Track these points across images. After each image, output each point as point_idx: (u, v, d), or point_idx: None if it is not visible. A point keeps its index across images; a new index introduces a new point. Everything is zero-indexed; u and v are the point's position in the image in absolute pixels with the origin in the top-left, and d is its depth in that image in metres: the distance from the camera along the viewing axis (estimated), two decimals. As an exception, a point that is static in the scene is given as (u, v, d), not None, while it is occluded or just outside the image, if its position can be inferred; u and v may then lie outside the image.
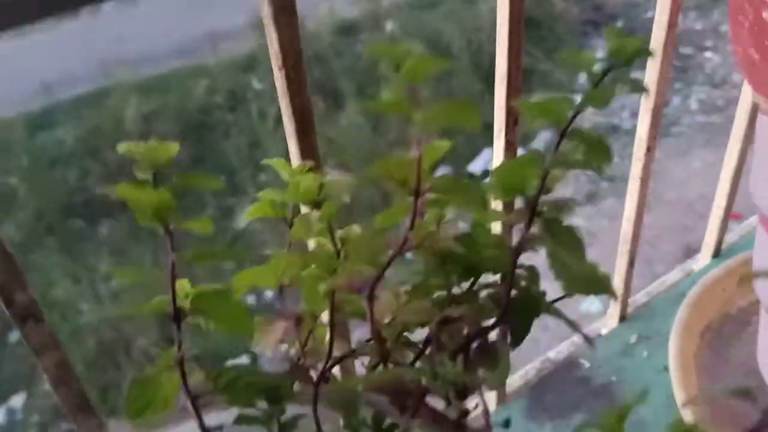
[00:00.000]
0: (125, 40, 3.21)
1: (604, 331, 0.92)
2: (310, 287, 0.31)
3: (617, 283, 0.87)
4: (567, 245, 0.29)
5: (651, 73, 0.72)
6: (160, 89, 3.31)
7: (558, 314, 0.32)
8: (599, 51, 3.87)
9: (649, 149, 0.77)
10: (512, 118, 0.60)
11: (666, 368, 0.81)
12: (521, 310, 0.30)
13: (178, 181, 0.31)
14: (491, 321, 0.30)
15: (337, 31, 3.68)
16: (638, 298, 0.96)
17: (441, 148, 0.33)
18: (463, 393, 0.25)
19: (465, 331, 0.28)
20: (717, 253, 0.98)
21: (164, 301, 0.29)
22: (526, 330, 0.30)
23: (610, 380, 0.82)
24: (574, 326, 0.32)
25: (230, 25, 3.38)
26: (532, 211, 0.30)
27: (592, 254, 0.30)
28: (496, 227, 0.55)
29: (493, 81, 0.59)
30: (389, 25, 3.69)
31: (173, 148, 0.32)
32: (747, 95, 0.84)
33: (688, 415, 0.67)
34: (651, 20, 0.70)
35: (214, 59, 3.41)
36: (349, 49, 3.64)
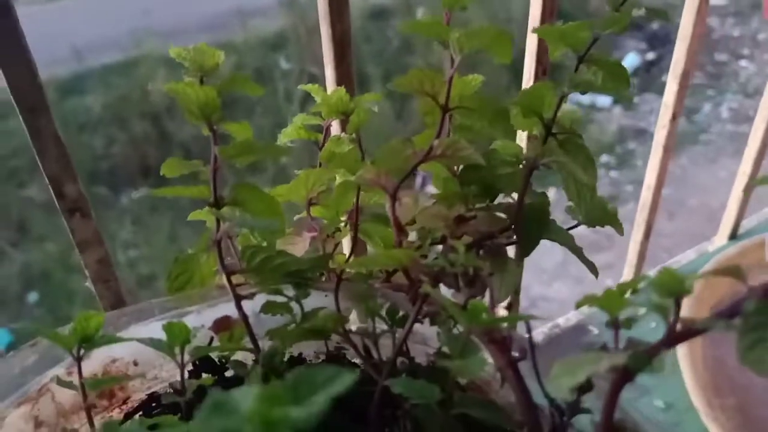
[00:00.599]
0: (154, 11, 3.26)
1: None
2: (339, 191, 0.34)
3: (632, 254, 0.89)
4: (579, 161, 0.32)
5: (683, 34, 0.73)
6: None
7: (564, 240, 0.35)
8: (632, 49, 3.85)
9: (674, 116, 0.78)
10: (541, 68, 0.62)
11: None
12: (530, 222, 0.33)
13: (222, 84, 0.34)
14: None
15: (368, 15, 3.70)
16: (651, 274, 0.98)
17: (474, 80, 0.36)
18: (471, 281, 0.28)
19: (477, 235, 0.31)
20: (734, 235, 1.00)
21: (206, 189, 0.33)
22: (534, 241, 0.33)
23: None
24: (579, 253, 0.35)
25: (260, 1, 3.42)
26: (548, 130, 0.32)
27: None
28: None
29: (522, 74, 0.61)
30: (420, 12, 3.70)
31: (219, 54, 0.36)
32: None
33: (690, 380, 0.69)
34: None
35: (242, 36, 3.45)
36: (379, 34, 3.66)
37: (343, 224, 0.38)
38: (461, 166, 0.33)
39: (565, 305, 2.21)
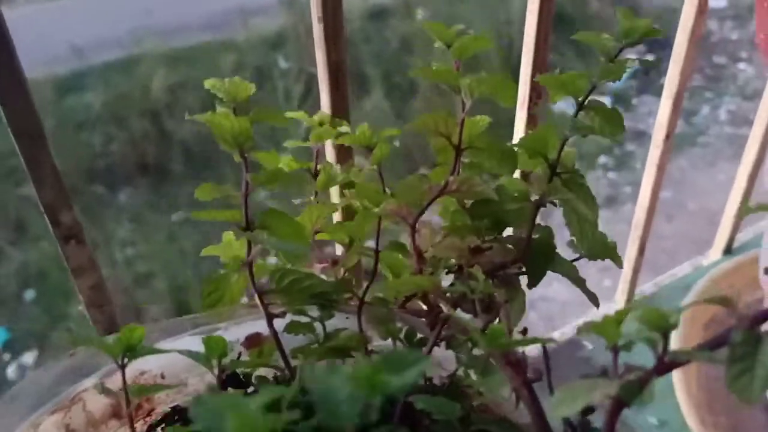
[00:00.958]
0: (155, 10, 3.27)
1: (611, 318, 0.97)
2: (359, 220, 0.37)
3: (626, 269, 0.92)
4: (582, 199, 0.35)
5: (676, 56, 0.76)
6: (188, 61, 3.38)
7: (568, 272, 0.38)
8: (631, 52, 3.88)
9: (668, 136, 0.81)
10: (535, 93, 0.64)
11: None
12: (537, 255, 0.36)
13: (254, 116, 0.37)
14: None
15: (368, 16, 3.72)
16: (646, 288, 1.01)
17: (482, 121, 0.39)
18: (488, 307, 0.31)
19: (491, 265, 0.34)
20: (728, 250, 1.03)
21: (238, 213, 0.36)
22: (542, 272, 0.36)
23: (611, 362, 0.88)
24: (581, 285, 0.38)
25: (261, 0, 3.43)
26: (553, 170, 0.35)
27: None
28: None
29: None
30: (420, 13, 3.73)
31: (250, 87, 0.39)
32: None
33: (684, 398, 0.72)
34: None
35: (243, 35, 3.47)
36: (379, 34, 3.68)
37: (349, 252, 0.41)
38: (472, 201, 0.36)
39: (565, 306, 2.24)
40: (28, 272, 2.67)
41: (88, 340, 0.36)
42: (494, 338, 0.28)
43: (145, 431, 0.48)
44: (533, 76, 0.64)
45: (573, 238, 0.36)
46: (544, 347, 0.31)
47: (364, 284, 0.38)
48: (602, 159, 3.21)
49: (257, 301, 0.38)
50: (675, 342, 0.85)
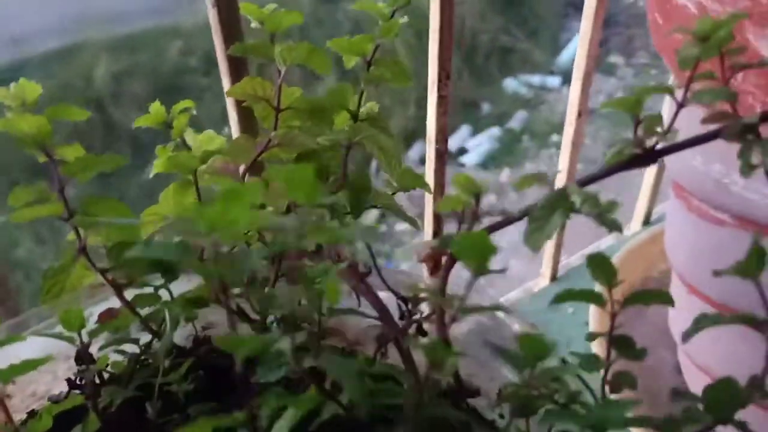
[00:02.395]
0: (97, -5, 3.20)
1: (535, 290, 0.99)
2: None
3: (550, 244, 0.94)
4: (385, 135, 0.38)
5: (582, 38, 0.78)
6: (132, 48, 3.31)
7: (387, 203, 0.39)
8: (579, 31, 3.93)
9: (580, 114, 0.83)
10: (444, 73, 0.65)
11: (587, 323, 0.88)
12: (356, 190, 0.37)
13: (49, 112, 0.37)
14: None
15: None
16: (572, 260, 1.03)
17: (296, 92, 0.43)
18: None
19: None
20: (647, 221, 1.05)
21: (57, 206, 0.35)
22: (361, 205, 0.38)
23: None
24: (399, 211, 0.40)
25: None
26: (355, 117, 0.37)
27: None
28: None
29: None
30: (370, -5, 3.70)
31: (38, 88, 0.39)
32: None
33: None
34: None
35: (189, 20, 3.41)
36: (330, 17, 3.66)
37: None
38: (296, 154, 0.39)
39: (522, 283, 2.29)
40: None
41: None
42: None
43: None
44: (441, 57, 0.64)
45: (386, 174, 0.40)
46: (370, 251, 0.36)
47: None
48: (554, 137, 3.25)
49: (102, 279, 0.37)
50: (592, 309, 0.87)
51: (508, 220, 0.36)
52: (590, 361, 0.35)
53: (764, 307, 0.32)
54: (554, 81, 3.56)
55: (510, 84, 3.55)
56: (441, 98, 0.66)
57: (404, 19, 0.49)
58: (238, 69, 0.55)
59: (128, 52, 3.28)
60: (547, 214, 0.34)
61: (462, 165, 3.27)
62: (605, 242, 1.09)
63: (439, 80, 0.65)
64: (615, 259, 0.93)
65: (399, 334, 0.38)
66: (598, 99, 3.48)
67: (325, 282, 0.31)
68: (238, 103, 0.55)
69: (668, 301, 0.36)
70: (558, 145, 3.28)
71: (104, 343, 0.41)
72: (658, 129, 0.34)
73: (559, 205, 0.34)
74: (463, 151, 3.31)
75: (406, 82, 0.48)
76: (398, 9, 0.50)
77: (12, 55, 3.21)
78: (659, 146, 0.34)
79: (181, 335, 0.49)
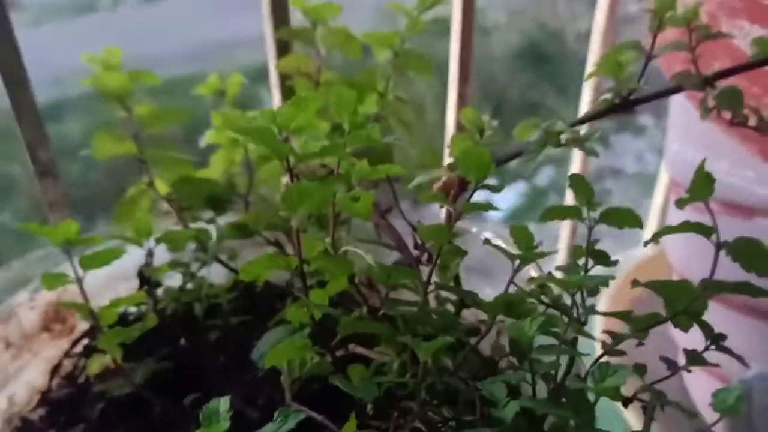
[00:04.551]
0: (141, 39, 3.41)
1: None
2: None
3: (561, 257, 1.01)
4: (407, 110, 0.47)
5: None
6: (170, 93, 3.50)
7: None
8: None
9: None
10: (464, 74, 0.75)
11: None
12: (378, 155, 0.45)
13: (131, 74, 0.48)
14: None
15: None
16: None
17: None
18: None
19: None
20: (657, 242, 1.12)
21: (133, 146, 0.46)
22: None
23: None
24: None
25: (244, 34, 3.58)
26: (382, 96, 0.45)
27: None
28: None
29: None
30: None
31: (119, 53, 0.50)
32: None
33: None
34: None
35: (225, 67, 3.60)
36: (363, 65, 3.83)
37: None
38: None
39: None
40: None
41: (31, 227, 0.44)
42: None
43: (70, 345, 0.55)
44: (462, 57, 0.74)
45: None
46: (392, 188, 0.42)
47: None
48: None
49: (168, 207, 0.47)
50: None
51: (513, 155, 0.45)
52: (571, 268, 0.43)
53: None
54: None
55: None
56: (460, 98, 0.76)
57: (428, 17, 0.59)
58: (284, 53, 0.65)
59: (165, 95, 3.47)
60: (539, 147, 0.42)
61: (485, 220, 3.35)
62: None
63: (459, 80, 0.75)
64: (625, 273, 1.00)
65: (413, 261, 0.46)
66: (626, 160, 3.57)
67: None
68: (282, 83, 0.64)
69: (638, 224, 0.43)
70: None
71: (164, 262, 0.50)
72: (632, 85, 0.43)
73: (549, 140, 0.42)
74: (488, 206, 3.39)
75: (428, 74, 0.58)
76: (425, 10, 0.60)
77: (55, 94, 3.42)
78: (632, 97, 0.43)
79: (223, 276, 0.57)
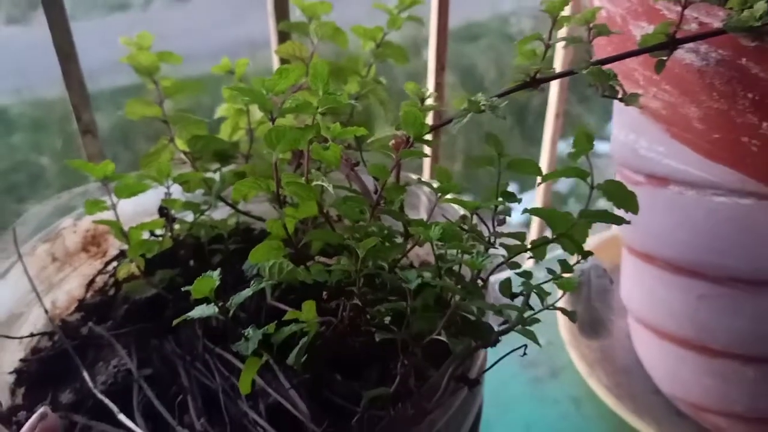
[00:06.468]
0: (170, 37, 3.62)
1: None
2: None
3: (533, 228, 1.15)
4: (383, 91, 0.61)
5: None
6: (197, 89, 3.70)
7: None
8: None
9: (558, 115, 1.06)
10: (440, 65, 0.90)
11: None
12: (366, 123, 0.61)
13: (160, 54, 0.63)
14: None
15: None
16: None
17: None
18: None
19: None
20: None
21: (159, 110, 0.62)
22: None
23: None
24: None
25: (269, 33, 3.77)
26: (362, 77, 0.61)
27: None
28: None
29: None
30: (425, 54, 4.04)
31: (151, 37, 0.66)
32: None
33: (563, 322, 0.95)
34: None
35: (250, 66, 3.79)
36: (385, 72, 4.00)
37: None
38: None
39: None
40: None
41: (77, 163, 0.61)
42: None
43: (103, 266, 0.71)
44: (438, 50, 0.90)
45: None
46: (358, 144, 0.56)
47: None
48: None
49: (184, 157, 0.63)
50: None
51: (446, 121, 0.60)
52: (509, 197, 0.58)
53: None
54: (604, 146, 3.77)
55: (559, 146, 3.78)
56: (437, 85, 0.91)
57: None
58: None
59: (193, 92, 3.68)
60: (464, 113, 0.57)
61: (509, 225, 3.47)
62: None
63: (436, 70, 0.91)
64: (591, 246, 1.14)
65: (373, 203, 0.61)
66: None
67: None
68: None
69: (538, 172, 0.58)
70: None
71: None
72: (539, 64, 0.58)
73: (471, 107, 0.57)
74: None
75: (404, 61, 0.74)
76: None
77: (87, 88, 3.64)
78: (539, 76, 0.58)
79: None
